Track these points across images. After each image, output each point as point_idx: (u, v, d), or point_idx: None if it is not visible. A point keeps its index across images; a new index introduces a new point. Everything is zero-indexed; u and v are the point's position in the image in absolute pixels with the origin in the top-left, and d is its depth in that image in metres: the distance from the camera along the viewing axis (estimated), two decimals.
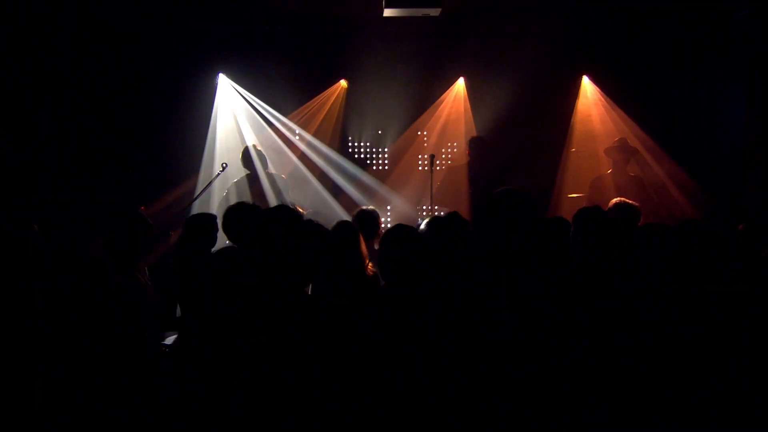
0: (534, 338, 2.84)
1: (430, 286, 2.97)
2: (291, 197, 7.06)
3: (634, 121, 7.92)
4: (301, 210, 6.35)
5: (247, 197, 6.46)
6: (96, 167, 7.02)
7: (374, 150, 8.60)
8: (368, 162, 8.57)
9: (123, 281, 4.14)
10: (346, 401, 2.79)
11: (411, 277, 2.98)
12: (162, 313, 3.96)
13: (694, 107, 7.76)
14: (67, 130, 6.73)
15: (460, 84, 8.42)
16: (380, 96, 8.21)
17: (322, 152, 8.28)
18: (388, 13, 6.39)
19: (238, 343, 2.82)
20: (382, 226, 5.13)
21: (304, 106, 8.25)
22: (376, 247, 3.86)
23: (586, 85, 8.32)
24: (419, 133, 8.53)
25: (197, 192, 7.23)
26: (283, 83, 7.86)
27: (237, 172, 7.41)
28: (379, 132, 8.54)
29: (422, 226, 3.44)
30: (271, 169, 7.19)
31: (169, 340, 3.94)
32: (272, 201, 6.66)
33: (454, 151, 8.66)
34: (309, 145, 8.33)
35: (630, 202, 4.92)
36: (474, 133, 8.07)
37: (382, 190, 8.27)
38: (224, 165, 7.08)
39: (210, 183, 7.09)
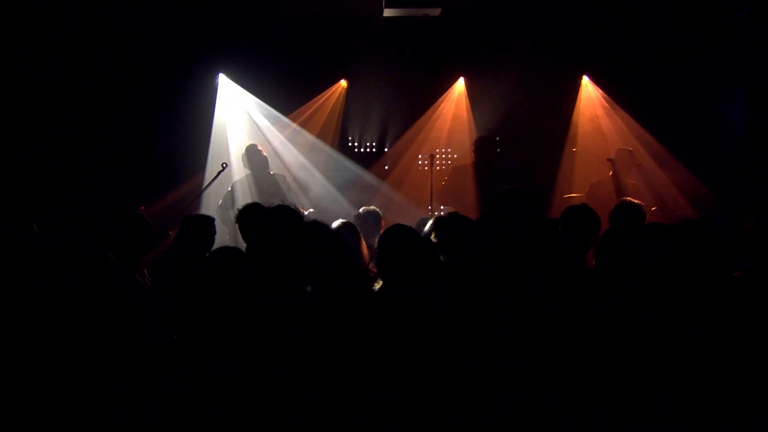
0: (534, 338, 2.84)
1: (429, 286, 2.97)
2: (292, 197, 7.06)
3: (634, 120, 7.92)
4: (301, 210, 6.36)
5: (248, 197, 6.46)
6: (96, 167, 7.02)
7: (374, 150, 8.60)
8: (368, 162, 8.58)
9: (123, 281, 4.14)
10: (345, 401, 2.79)
11: (410, 277, 2.98)
12: (162, 313, 3.96)
13: (694, 107, 7.75)
14: (67, 130, 6.73)
15: (460, 84, 8.42)
16: (380, 96, 8.21)
17: (322, 152, 8.29)
18: (388, 13, 6.39)
19: (237, 343, 2.82)
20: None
21: (304, 106, 8.26)
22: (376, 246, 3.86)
23: (586, 85, 8.32)
24: (419, 133, 8.52)
25: (197, 192, 7.23)
26: (283, 83, 7.86)
27: (237, 172, 7.43)
28: (380, 132, 8.54)
29: (426, 227, 3.44)
30: (272, 169, 7.19)
31: (169, 340, 3.94)
32: (273, 201, 6.65)
33: (455, 150, 8.67)
34: (310, 145, 8.34)
35: (635, 201, 4.91)
36: (474, 133, 8.07)
37: (383, 189, 8.27)
38: (224, 165, 7.07)
39: (210, 183, 7.08)
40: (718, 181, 7.18)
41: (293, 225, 2.99)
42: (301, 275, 2.98)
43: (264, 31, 7.78)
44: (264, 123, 8.10)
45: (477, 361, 2.81)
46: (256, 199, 6.33)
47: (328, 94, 8.30)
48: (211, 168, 7.86)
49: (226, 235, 6.43)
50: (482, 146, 7.16)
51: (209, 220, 4.36)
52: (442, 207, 7.34)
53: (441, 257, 3.10)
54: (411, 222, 5.11)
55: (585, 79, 8.31)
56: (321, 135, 8.33)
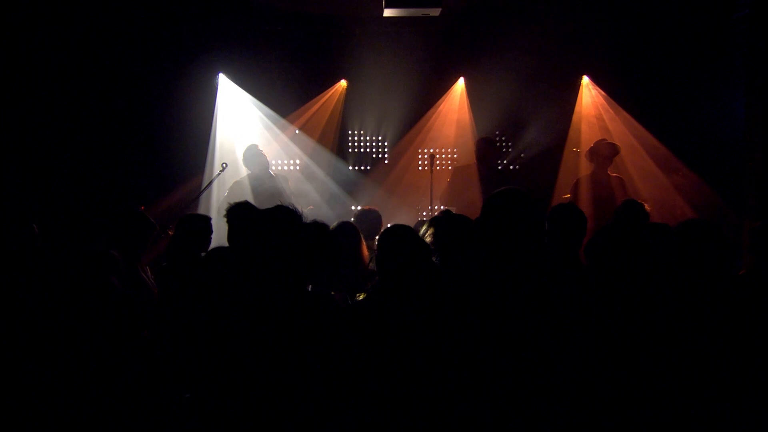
0: (533, 337, 2.84)
1: (428, 286, 2.97)
2: (292, 197, 7.05)
3: (634, 120, 7.93)
4: (300, 208, 6.35)
5: (249, 197, 6.45)
6: (97, 167, 7.02)
7: (374, 150, 8.60)
8: (368, 162, 8.58)
9: (127, 279, 4.15)
10: (345, 400, 2.80)
11: (409, 277, 2.98)
12: (165, 311, 3.97)
13: (694, 107, 7.76)
14: (68, 130, 6.74)
15: (460, 84, 8.42)
16: (380, 96, 8.21)
17: (322, 152, 8.30)
18: (388, 13, 6.39)
19: (236, 343, 2.82)
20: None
21: (305, 106, 8.26)
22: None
23: (586, 85, 8.33)
24: (419, 133, 8.53)
25: (197, 192, 7.24)
26: (283, 83, 7.87)
27: (237, 172, 7.43)
28: (380, 132, 8.54)
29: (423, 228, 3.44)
30: (273, 168, 7.18)
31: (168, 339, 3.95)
32: (274, 202, 6.64)
33: (455, 151, 8.67)
34: (309, 145, 8.35)
35: (639, 201, 4.92)
36: (474, 133, 8.08)
37: (383, 189, 8.28)
38: (224, 165, 7.08)
39: (210, 183, 7.09)
40: (717, 181, 7.19)
41: (293, 225, 2.99)
42: (300, 275, 2.98)
43: (264, 31, 7.78)
44: (264, 123, 8.10)
45: (477, 360, 2.81)
46: (257, 200, 6.32)
47: (328, 94, 8.30)
48: (211, 168, 7.88)
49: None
50: (484, 147, 7.17)
51: (206, 220, 4.36)
52: (442, 207, 7.34)
53: (434, 258, 3.09)
54: (411, 222, 5.12)
55: (585, 80, 8.32)
56: (321, 135, 8.33)
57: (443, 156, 8.60)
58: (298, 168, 8.32)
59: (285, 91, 7.91)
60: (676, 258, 3.14)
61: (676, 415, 2.81)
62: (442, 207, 7.18)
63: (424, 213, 8.02)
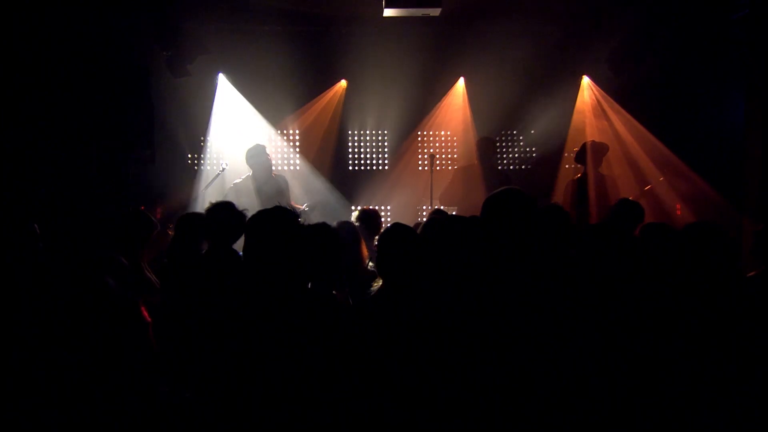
0: (533, 337, 2.84)
1: (428, 285, 2.97)
2: (293, 197, 7.06)
3: (634, 120, 7.93)
4: (297, 206, 6.36)
5: (252, 198, 6.44)
6: (96, 167, 7.01)
7: (374, 150, 8.61)
8: (368, 162, 8.59)
9: (130, 278, 4.15)
10: (344, 400, 2.80)
11: (409, 277, 2.98)
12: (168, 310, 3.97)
13: (694, 107, 7.76)
14: (67, 130, 6.73)
15: (460, 84, 8.42)
16: (380, 96, 8.22)
17: (320, 152, 8.31)
18: (388, 13, 6.38)
19: (236, 342, 2.82)
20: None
21: (304, 106, 8.27)
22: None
23: (586, 85, 8.33)
24: (419, 133, 8.54)
25: (197, 192, 7.25)
26: (283, 83, 7.87)
27: (237, 172, 7.43)
28: (379, 132, 8.55)
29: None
30: (274, 169, 7.18)
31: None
32: (274, 202, 6.63)
33: (455, 151, 8.68)
34: (309, 144, 8.36)
35: (633, 200, 4.93)
36: (474, 134, 8.09)
37: (383, 188, 8.29)
38: (224, 166, 7.09)
39: (210, 183, 7.10)
40: (717, 181, 7.19)
41: (292, 225, 2.99)
42: (301, 274, 2.98)
43: (264, 31, 7.78)
44: (263, 123, 8.10)
45: (477, 360, 2.81)
46: (258, 200, 6.33)
47: (328, 94, 8.31)
48: (210, 168, 7.89)
49: None
50: (484, 147, 7.18)
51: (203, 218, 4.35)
52: (442, 207, 7.35)
53: (438, 256, 3.10)
54: (411, 222, 5.12)
55: (585, 80, 8.33)
56: (321, 135, 8.34)
57: (443, 156, 8.61)
58: (297, 168, 8.32)
59: (285, 92, 7.91)
60: (679, 258, 3.14)
61: (676, 416, 2.81)
62: (441, 207, 7.19)
63: (424, 213, 8.02)
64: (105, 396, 3.14)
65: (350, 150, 8.59)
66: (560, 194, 7.57)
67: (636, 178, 7.46)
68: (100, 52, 6.73)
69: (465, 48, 8.08)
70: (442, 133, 8.67)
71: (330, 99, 8.32)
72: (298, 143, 8.45)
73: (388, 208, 8.41)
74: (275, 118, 8.15)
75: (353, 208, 7.99)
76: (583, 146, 6.89)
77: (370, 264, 3.82)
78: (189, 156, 8.08)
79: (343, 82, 8.29)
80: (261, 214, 3.01)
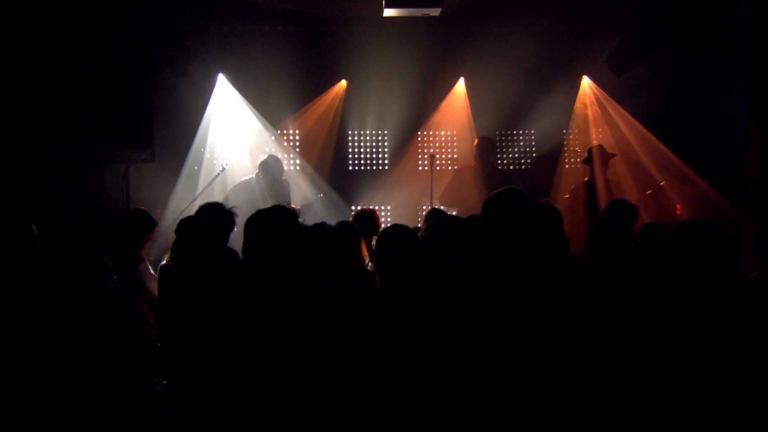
0: (533, 337, 2.84)
1: (427, 285, 2.97)
2: (293, 198, 7.07)
3: (634, 120, 7.93)
4: (294, 206, 6.37)
5: (253, 200, 6.45)
6: (95, 167, 7.01)
7: (374, 150, 8.60)
8: (368, 162, 8.58)
9: (128, 277, 4.16)
10: (344, 400, 2.80)
11: (408, 276, 2.98)
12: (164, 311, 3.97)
13: (694, 107, 7.76)
14: (67, 130, 6.73)
15: (460, 84, 8.42)
16: (380, 96, 8.21)
17: (320, 152, 8.30)
18: (388, 13, 6.38)
19: (236, 343, 2.82)
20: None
21: (304, 106, 8.26)
22: (374, 245, 3.87)
23: (586, 85, 8.33)
24: (419, 133, 8.54)
25: (197, 192, 7.24)
26: (283, 83, 7.86)
27: (237, 172, 7.43)
28: (379, 132, 8.55)
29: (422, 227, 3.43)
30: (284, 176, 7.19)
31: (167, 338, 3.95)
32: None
33: (455, 151, 8.67)
34: (308, 145, 8.36)
35: (627, 200, 4.93)
36: (474, 134, 8.08)
37: (382, 189, 8.28)
38: (224, 166, 7.08)
39: (210, 183, 7.10)
40: (717, 181, 7.18)
41: (291, 225, 2.99)
42: (300, 275, 2.98)
43: (264, 31, 7.78)
44: (263, 123, 8.10)
45: (476, 360, 2.81)
46: (263, 203, 6.35)
47: (328, 94, 8.30)
48: (208, 168, 7.88)
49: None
50: (483, 147, 7.17)
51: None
52: (442, 207, 7.35)
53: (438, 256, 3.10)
54: (411, 222, 5.12)
55: (585, 80, 8.32)
56: (321, 135, 8.33)
57: (443, 156, 8.60)
58: (297, 168, 8.31)
59: (285, 91, 7.90)
60: (676, 258, 3.13)
61: (676, 416, 2.81)
62: (441, 207, 7.18)
63: (425, 213, 8.02)
64: (105, 395, 3.14)
65: (350, 150, 8.59)
66: (561, 194, 7.57)
67: (637, 179, 7.45)
68: (100, 52, 6.73)
69: (465, 48, 8.07)
70: (442, 133, 8.67)
71: (330, 99, 8.32)
72: (298, 143, 8.44)
73: (388, 208, 8.41)
74: (275, 118, 8.14)
75: (353, 208, 7.99)
76: (590, 151, 6.89)
77: (370, 264, 3.81)
78: (189, 156, 8.07)
79: (343, 82, 8.28)
80: (260, 214, 3.01)
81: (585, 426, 2.77)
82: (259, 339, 2.80)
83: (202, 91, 7.83)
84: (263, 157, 7.04)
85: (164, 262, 3.93)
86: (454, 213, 7.20)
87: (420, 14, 6.49)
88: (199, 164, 8.00)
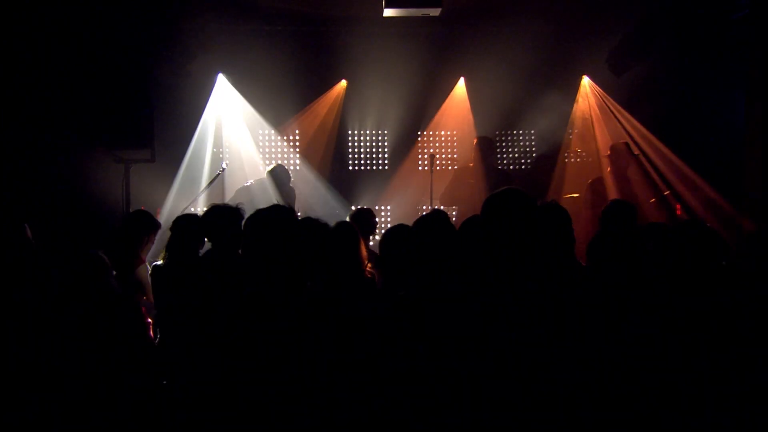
0: (536, 338, 2.84)
1: (430, 285, 2.97)
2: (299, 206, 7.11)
3: (635, 120, 7.92)
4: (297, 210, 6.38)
5: (255, 204, 6.47)
6: (96, 167, 7.01)
7: (374, 150, 8.60)
8: (368, 162, 8.59)
9: (128, 278, 4.16)
10: (344, 400, 2.79)
11: (411, 276, 2.98)
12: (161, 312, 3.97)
13: (694, 107, 7.76)
14: (66, 130, 6.72)
15: (461, 84, 8.42)
16: (380, 96, 8.21)
17: (320, 153, 8.31)
18: (388, 13, 6.38)
19: (236, 343, 2.82)
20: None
21: (305, 106, 8.26)
22: (371, 245, 3.87)
23: (586, 85, 8.33)
24: (419, 133, 8.54)
25: (197, 192, 7.24)
26: (283, 83, 7.86)
27: (237, 172, 7.44)
28: (379, 132, 8.55)
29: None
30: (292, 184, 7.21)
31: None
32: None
33: (455, 151, 8.67)
34: (307, 145, 8.36)
35: (628, 201, 4.92)
36: (475, 133, 8.08)
37: (382, 189, 8.28)
38: (224, 166, 7.09)
39: (210, 183, 7.10)
40: (717, 181, 7.18)
41: (290, 224, 2.99)
42: (299, 274, 2.98)
43: (264, 31, 7.78)
44: (263, 123, 8.10)
45: (478, 360, 2.81)
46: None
47: (328, 94, 8.30)
48: (209, 168, 7.88)
49: None
50: (482, 146, 7.17)
51: (199, 219, 4.34)
52: (441, 207, 7.35)
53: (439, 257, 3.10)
54: (411, 222, 5.10)
55: (585, 80, 8.33)
56: (321, 135, 8.34)
57: (443, 156, 8.60)
58: (297, 168, 8.32)
59: (285, 91, 7.91)
60: (674, 258, 3.13)
61: (676, 416, 2.81)
62: (441, 207, 7.19)
63: (425, 213, 8.02)
64: (105, 395, 3.14)
65: (350, 150, 8.59)
66: (559, 193, 7.58)
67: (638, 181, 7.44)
68: (101, 52, 6.72)
69: (465, 48, 8.08)
70: (442, 133, 8.67)
71: (330, 99, 8.32)
72: (297, 143, 8.44)
73: (388, 208, 8.41)
74: (275, 118, 8.14)
75: (353, 208, 7.99)
76: (612, 147, 6.87)
77: (369, 265, 3.82)
78: (189, 156, 8.06)
79: (343, 82, 8.28)
80: (258, 214, 3.01)
81: (585, 426, 2.77)
82: (258, 340, 2.80)
83: (202, 91, 7.83)
84: (271, 165, 7.13)
85: (159, 262, 3.93)
86: (454, 213, 7.21)
87: (420, 14, 6.50)
88: (200, 164, 8.00)
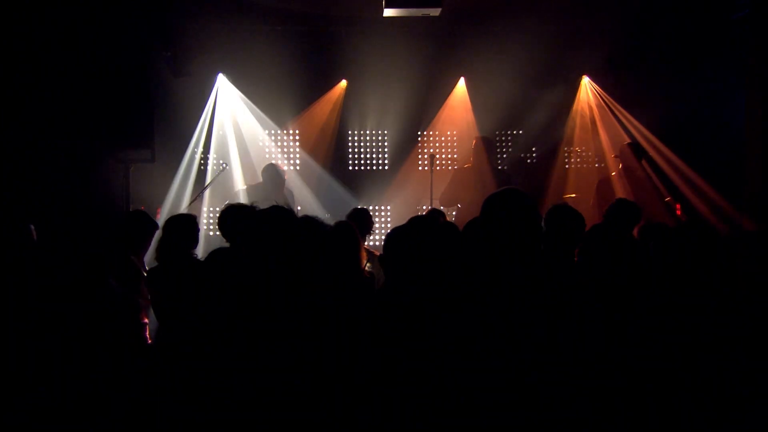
0: (539, 340, 2.84)
1: (433, 286, 2.97)
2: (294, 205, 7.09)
3: (635, 120, 7.93)
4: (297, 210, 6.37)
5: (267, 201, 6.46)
6: (96, 167, 7.02)
7: (374, 150, 8.60)
8: (368, 162, 8.59)
9: (127, 278, 4.16)
10: (344, 401, 2.79)
11: (415, 278, 2.98)
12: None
13: (694, 107, 7.76)
14: (66, 130, 6.73)
15: (461, 84, 8.42)
16: (380, 96, 8.21)
17: (319, 153, 8.31)
18: (388, 13, 6.38)
19: (235, 344, 2.82)
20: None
21: (305, 106, 8.26)
22: (369, 244, 3.87)
23: (586, 85, 8.33)
24: (419, 133, 8.54)
25: (197, 192, 7.25)
26: (283, 83, 7.86)
27: (233, 173, 7.44)
28: (379, 132, 8.55)
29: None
30: (288, 184, 7.19)
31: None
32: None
33: (455, 151, 8.67)
34: (307, 146, 8.36)
35: (635, 201, 4.92)
36: (474, 133, 8.08)
37: (382, 189, 8.28)
38: (224, 166, 7.08)
39: (210, 183, 7.10)
40: (717, 181, 7.19)
41: (290, 224, 2.99)
42: (299, 274, 2.98)
43: (264, 31, 7.78)
44: (263, 123, 8.10)
45: (480, 361, 2.81)
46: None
47: (328, 94, 8.30)
48: (210, 168, 7.88)
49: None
50: (482, 146, 7.17)
51: (193, 219, 4.34)
52: (441, 207, 7.35)
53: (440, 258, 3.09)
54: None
55: (585, 80, 8.33)
56: (321, 135, 8.34)
57: (443, 156, 8.60)
58: (297, 169, 8.32)
59: (285, 92, 7.91)
60: (676, 258, 3.13)
61: (676, 417, 2.81)
62: (441, 207, 7.18)
63: (425, 213, 8.03)
64: (104, 395, 3.14)
65: (350, 150, 8.58)
66: (558, 193, 7.58)
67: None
68: (101, 52, 6.73)
69: (465, 48, 8.08)
70: (443, 133, 8.66)
71: (330, 99, 8.32)
72: (298, 143, 8.44)
73: (388, 208, 8.41)
74: (275, 118, 8.15)
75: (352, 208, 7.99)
76: (622, 148, 6.87)
77: (368, 265, 3.82)
78: (189, 156, 8.07)
79: (344, 82, 8.28)
80: (258, 214, 3.01)
81: (585, 426, 2.77)
82: (257, 341, 2.80)
83: (202, 91, 7.83)
84: (265, 164, 7.02)
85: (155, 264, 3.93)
86: (453, 213, 7.21)
87: (420, 14, 6.50)
88: (200, 164, 8.00)
